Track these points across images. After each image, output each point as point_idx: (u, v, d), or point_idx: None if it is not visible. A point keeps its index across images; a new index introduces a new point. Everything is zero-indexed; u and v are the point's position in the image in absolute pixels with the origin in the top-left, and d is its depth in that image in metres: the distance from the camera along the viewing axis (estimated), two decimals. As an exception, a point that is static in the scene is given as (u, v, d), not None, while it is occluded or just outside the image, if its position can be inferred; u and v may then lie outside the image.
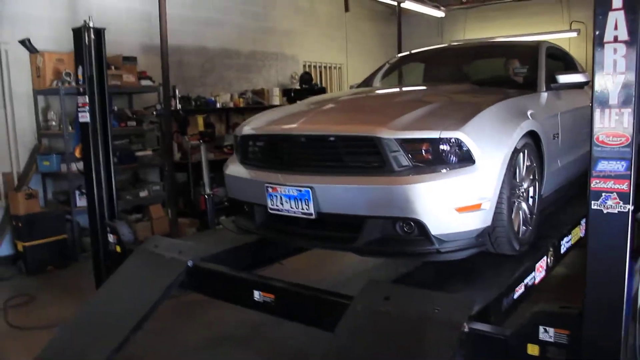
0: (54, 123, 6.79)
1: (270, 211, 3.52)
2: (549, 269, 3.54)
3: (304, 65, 11.52)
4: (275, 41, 10.74)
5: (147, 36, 8.10)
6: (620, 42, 2.02)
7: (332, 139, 3.33)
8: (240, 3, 9.99)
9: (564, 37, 11.68)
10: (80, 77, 4.30)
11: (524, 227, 3.55)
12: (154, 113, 7.59)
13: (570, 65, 5.32)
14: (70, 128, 6.61)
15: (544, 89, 4.23)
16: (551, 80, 4.27)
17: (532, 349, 2.30)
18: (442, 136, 3.06)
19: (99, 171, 4.44)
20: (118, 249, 4.44)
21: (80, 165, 6.51)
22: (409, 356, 2.50)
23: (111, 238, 4.50)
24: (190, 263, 3.71)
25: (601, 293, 2.09)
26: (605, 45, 2.05)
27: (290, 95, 10.25)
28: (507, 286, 3.00)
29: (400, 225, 3.13)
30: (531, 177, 3.66)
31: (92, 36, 4.34)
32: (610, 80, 2.04)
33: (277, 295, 3.28)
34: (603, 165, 1.99)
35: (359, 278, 5.16)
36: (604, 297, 2.07)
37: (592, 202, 2.02)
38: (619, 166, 1.96)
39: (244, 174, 3.80)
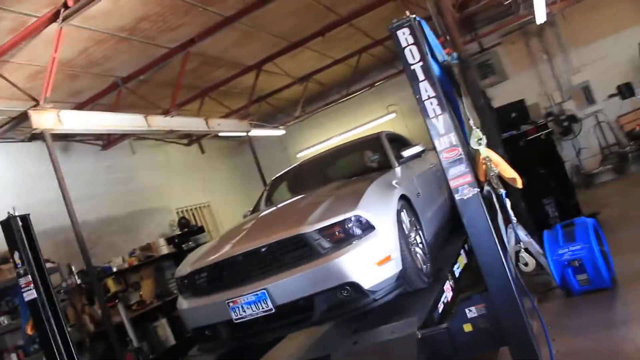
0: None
1: (235, 321, 4.20)
2: (454, 289, 4.62)
3: (177, 212, 12.27)
4: (145, 198, 11.43)
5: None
6: (432, 97, 3.29)
7: (265, 248, 4.23)
8: (105, 173, 10.69)
9: (386, 121, 13.77)
10: (18, 261, 4.76)
11: (424, 266, 4.63)
12: (61, 292, 7.84)
13: (404, 142, 6.74)
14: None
15: (397, 165, 5.52)
16: (398, 157, 5.62)
17: (467, 327, 3.30)
18: (345, 217, 4.11)
19: (58, 343, 4.80)
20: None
21: None
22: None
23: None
24: None
25: (488, 261, 3.16)
26: (425, 102, 3.30)
27: (175, 242, 10.87)
28: (431, 305, 4.00)
29: (341, 292, 4.04)
30: (415, 228, 4.79)
31: (20, 223, 4.90)
32: (435, 120, 3.28)
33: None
34: (452, 171, 3.16)
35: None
36: (490, 264, 3.15)
37: (455, 195, 3.15)
38: (461, 168, 3.13)
39: (201, 302, 4.46)
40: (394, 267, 4.12)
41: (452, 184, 3.17)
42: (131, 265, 9.71)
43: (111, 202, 10.51)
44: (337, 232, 4.09)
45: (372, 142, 6.16)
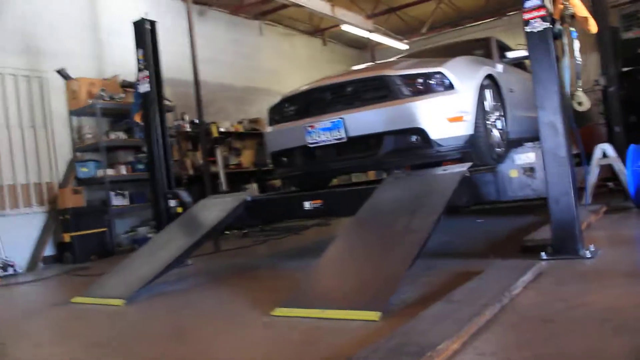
0: (89, 136, 7.85)
1: (309, 145, 4.65)
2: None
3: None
4: (263, 78, 12.12)
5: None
6: None
7: (350, 84, 4.59)
8: (232, 45, 11.44)
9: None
10: (140, 57, 5.50)
11: (498, 149, 4.78)
12: (172, 130, 8.74)
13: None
14: (105, 137, 7.73)
15: (498, 60, 5.60)
16: (502, 57, 5.69)
17: (513, 173, 3.52)
18: (429, 71, 4.34)
19: (158, 137, 5.53)
20: (179, 210, 5.47)
21: (111, 171, 7.63)
22: (431, 192, 3.64)
23: (172, 202, 5.52)
24: (249, 198, 4.82)
25: (544, 95, 3.33)
26: None
27: (280, 124, 11.55)
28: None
29: (409, 136, 4.33)
30: (498, 113, 4.92)
31: (148, 26, 5.59)
32: None
33: (325, 199, 4.40)
34: (528, 3, 3.31)
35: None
36: (547, 97, 3.32)
37: (526, 28, 3.30)
38: (536, 1, 3.29)
39: (285, 126, 4.97)
40: (463, 129, 4.32)
41: (526, 16, 3.32)
42: (237, 131, 10.51)
43: (232, 72, 11.29)
44: (418, 83, 4.35)
45: (481, 42, 6.25)
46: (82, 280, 5.52)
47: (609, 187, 6.74)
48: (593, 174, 5.80)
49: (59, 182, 7.71)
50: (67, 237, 7.19)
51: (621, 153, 5.66)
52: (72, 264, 7.08)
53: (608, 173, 5.97)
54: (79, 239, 7.15)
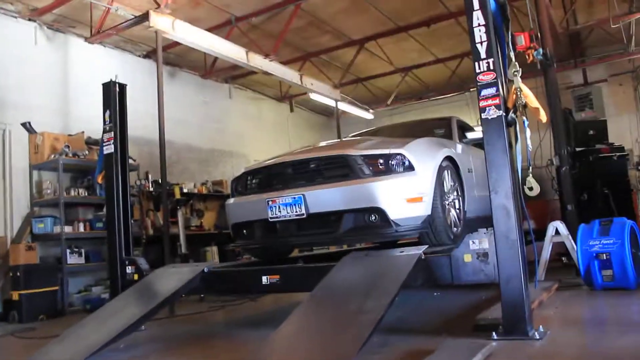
0: (48, 191, 7.73)
1: (270, 220, 4.70)
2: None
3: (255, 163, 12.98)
4: (230, 141, 12.26)
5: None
6: (482, 25, 3.74)
7: (312, 162, 4.71)
8: (201, 106, 11.59)
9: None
10: (107, 119, 5.57)
11: (455, 228, 4.90)
12: (134, 189, 8.68)
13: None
14: (65, 194, 7.63)
15: (458, 141, 5.83)
16: (462, 138, 5.94)
17: (467, 257, 3.63)
18: (391, 152, 4.50)
19: (119, 201, 5.52)
20: (136, 277, 5.42)
21: (68, 228, 7.52)
22: (386, 274, 3.70)
23: (129, 269, 5.48)
24: (206, 269, 4.82)
25: (497, 178, 3.50)
26: (474, 28, 3.75)
27: (244, 186, 11.61)
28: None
29: (368, 215, 4.43)
30: (456, 193, 5.08)
31: (117, 89, 5.67)
32: (480, 45, 3.74)
33: (282, 274, 4.42)
34: (484, 92, 3.53)
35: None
36: (499, 180, 3.49)
37: (482, 114, 3.50)
38: (492, 91, 3.49)
39: (246, 199, 5.03)
40: (422, 209, 4.43)
41: (482, 104, 3.54)
42: (200, 192, 10.50)
43: (199, 133, 11.40)
44: (379, 164, 4.49)
45: (443, 122, 6.51)
46: (26, 343, 5.32)
47: (563, 261, 6.95)
48: (546, 251, 5.99)
49: (12, 237, 7.54)
50: (15, 295, 6.94)
51: (573, 230, 5.87)
52: (18, 323, 6.81)
53: (562, 247, 6.16)
54: (28, 298, 6.91)
